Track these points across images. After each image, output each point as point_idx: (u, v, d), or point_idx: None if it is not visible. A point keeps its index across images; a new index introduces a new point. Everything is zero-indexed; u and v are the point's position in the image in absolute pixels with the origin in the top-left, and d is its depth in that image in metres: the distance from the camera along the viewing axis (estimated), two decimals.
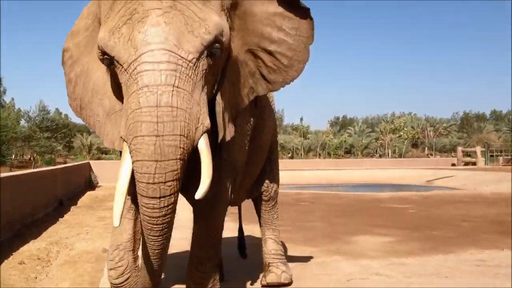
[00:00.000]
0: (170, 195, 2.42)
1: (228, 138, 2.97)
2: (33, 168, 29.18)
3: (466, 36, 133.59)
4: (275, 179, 5.09)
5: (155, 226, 2.49)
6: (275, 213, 5.04)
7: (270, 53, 3.07)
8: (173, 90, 2.36)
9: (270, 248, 4.83)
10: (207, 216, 3.42)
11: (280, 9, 3.07)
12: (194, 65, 2.45)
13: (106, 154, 44.64)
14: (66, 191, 14.79)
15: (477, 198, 14.49)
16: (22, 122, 42.70)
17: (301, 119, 60.73)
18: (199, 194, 2.55)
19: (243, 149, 3.71)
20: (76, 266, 6.02)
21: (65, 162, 34.42)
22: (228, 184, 3.50)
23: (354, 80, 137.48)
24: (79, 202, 14.10)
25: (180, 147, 2.38)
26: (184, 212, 5.31)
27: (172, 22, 2.41)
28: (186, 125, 2.39)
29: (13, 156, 33.21)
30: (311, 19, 3.12)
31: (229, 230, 5.50)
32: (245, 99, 3.13)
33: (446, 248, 6.83)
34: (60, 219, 10.66)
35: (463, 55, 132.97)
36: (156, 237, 2.55)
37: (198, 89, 2.50)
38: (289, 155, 50.55)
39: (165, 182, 2.38)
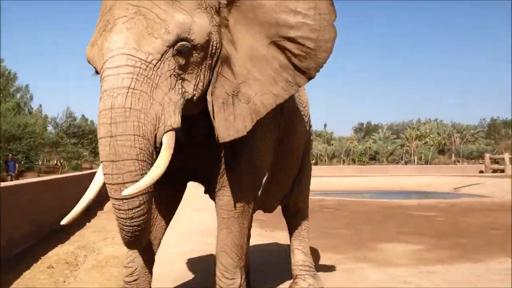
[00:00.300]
0: (133, 197, 2.42)
1: (229, 137, 2.91)
2: (60, 173, 29.68)
3: (494, 42, 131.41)
4: (305, 188, 4.96)
5: (124, 227, 2.51)
6: (304, 224, 4.92)
7: (292, 40, 2.91)
8: (127, 92, 2.42)
9: (298, 259, 4.76)
10: (230, 223, 3.43)
11: None
12: (155, 66, 2.51)
13: None
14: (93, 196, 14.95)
15: (506, 206, 14.15)
16: (50, 128, 43.62)
17: (325, 125, 60.90)
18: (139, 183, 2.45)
19: (266, 153, 3.63)
20: (103, 271, 6.08)
21: (91, 168, 34.92)
22: (249, 189, 3.48)
23: (379, 86, 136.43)
24: (105, 208, 14.21)
25: (135, 147, 2.41)
26: (211, 219, 5.30)
27: (134, 27, 2.49)
28: (140, 125, 2.43)
29: (41, 162, 33.80)
30: None
31: (259, 237, 5.49)
32: (282, 94, 2.97)
33: (474, 256, 6.71)
34: (87, 224, 10.79)
35: (490, 61, 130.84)
36: (127, 237, 2.56)
37: (162, 89, 2.54)
38: (313, 161, 50.31)
39: (123, 183, 2.40)
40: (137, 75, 2.46)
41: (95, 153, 49.09)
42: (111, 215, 12.90)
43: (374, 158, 53.30)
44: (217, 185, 3.45)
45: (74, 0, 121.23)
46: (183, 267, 6.06)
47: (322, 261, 6.34)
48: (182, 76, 2.65)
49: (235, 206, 3.37)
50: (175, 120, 2.57)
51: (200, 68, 2.73)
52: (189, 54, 2.62)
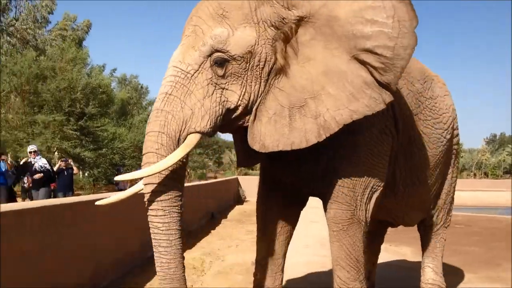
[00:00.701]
0: (155, 183, 2.73)
1: (277, 148, 2.90)
2: (187, 182, 31.22)
3: None
4: (444, 202, 4.56)
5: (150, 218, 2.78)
6: (439, 241, 4.63)
7: (370, 51, 2.78)
8: (164, 97, 2.78)
9: (428, 277, 4.50)
10: (340, 236, 3.33)
11: (368, 2, 2.78)
12: (192, 75, 2.80)
13: (252, 170, 46.17)
14: (217, 205, 15.50)
15: None
16: None
17: None
18: (124, 176, 2.91)
19: (374, 166, 3.34)
20: (228, 277, 6.24)
21: (215, 177, 36.28)
22: (355, 202, 3.30)
23: None
24: (229, 216, 14.69)
25: (157, 142, 2.73)
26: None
27: (185, 43, 2.87)
28: (166, 124, 2.74)
29: None
30: None
31: (383, 252, 5.29)
32: (364, 110, 2.83)
33: None
34: (212, 231, 11.18)
35: None
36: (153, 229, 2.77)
37: (196, 96, 2.79)
38: None
39: (147, 176, 2.71)
40: (176, 83, 2.79)
41: (219, 162, 51.18)
42: (235, 223, 13.34)
43: (509, 171, 49.32)
44: (324, 199, 3.42)
45: None
46: (298, 278, 6.03)
47: (453, 280, 5.93)
48: (222, 85, 2.84)
49: (342, 219, 3.30)
50: (202, 124, 2.78)
51: (245, 79, 2.86)
52: (227, 64, 2.80)
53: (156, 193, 2.74)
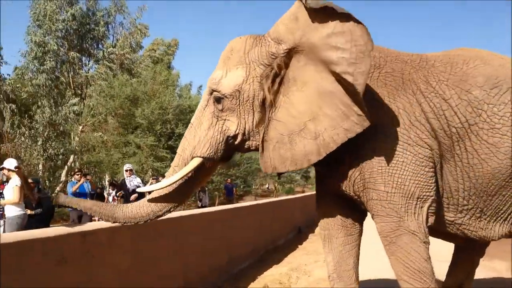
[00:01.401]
0: (159, 194, 3.59)
1: (285, 169, 3.34)
2: (274, 196, 31.43)
3: None
4: None
5: None
6: None
7: (339, 75, 3.05)
8: (189, 126, 3.57)
9: None
10: (393, 249, 3.38)
11: (331, 29, 3.08)
12: (203, 109, 3.53)
13: None
14: (305, 219, 15.47)
15: None
16: None
17: None
18: (144, 188, 4.16)
19: (411, 176, 3.30)
20: None
21: (303, 191, 36.20)
22: (399, 211, 3.30)
23: None
24: (316, 231, 14.58)
25: (177, 162, 3.55)
26: None
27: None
28: (183, 149, 3.53)
29: (257, 186, 36.18)
30: (359, 23, 3.01)
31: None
32: (355, 128, 3.10)
33: None
34: (299, 246, 11.16)
35: None
36: None
37: (204, 126, 3.48)
38: None
39: (160, 188, 3.58)
40: (195, 115, 3.57)
41: (306, 177, 51.01)
42: None
43: None
44: (371, 214, 3.54)
45: None
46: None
47: None
48: (223, 117, 3.45)
49: (388, 232, 3.37)
50: (203, 150, 3.41)
51: (239, 111, 3.41)
52: (222, 101, 3.41)
53: (155, 199, 3.58)
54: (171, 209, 3.63)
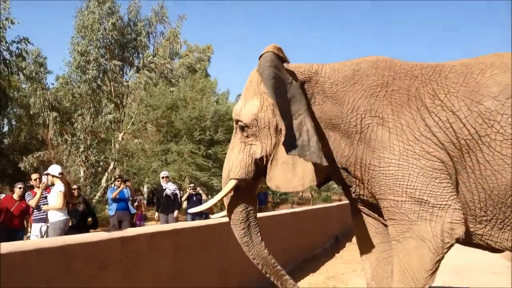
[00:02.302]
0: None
1: (291, 189, 3.72)
2: (312, 205, 31.21)
3: None
4: None
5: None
6: None
7: None
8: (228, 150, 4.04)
9: None
10: (397, 249, 3.38)
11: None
12: (234, 136, 3.98)
13: None
14: (341, 227, 15.32)
15: None
16: None
17: None
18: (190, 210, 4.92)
19: (419, 180, 3.28)
20: None
21: (339, 200, 35.80)
22: (409, 215, 3.28)
23: None
24: (354, 239, 14.43)
25: (223, 182, 3.99)
26: (456, 256, 4.91)
27: None
28: (223, 173, 3.98)
29: (294, 194, 36.03)
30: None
31: None
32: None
33: None
34: (336, 254, 11.06)
35: None
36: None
37: (234, 151, 3.89)
38: None
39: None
40: (231, 140, 4.03)
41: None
42: None
43: None
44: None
45: None
46: None
47: None
48: (249, 142, 3.81)
49: (397, 233, 3.37)
50: (235, 172, 3.80)
51: (260, 137, 3.77)
52: (246, 128, 3.79)
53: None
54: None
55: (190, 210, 4.52)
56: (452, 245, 3.30)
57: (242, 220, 3.94)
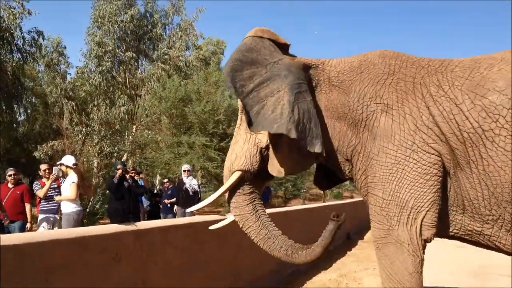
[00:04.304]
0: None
1: (277, 173, 3.66)
2: (323, 201, 31.17)
3: None
4: None
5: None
6: None
7: None
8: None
9: None
10: (378, 255, 3.45)
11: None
12: (238, 128, 3.93)
13: None
14: (353, 225, 15.24)
15: None
16: None
17: None
18: (190, 208, 4.35)
19: (403, 181, 3.29)
20: None
21: (351, 197, 35.75)
22: (391, 220, 3.32)
23: None
24: (366, 237, 14.34)
25: (225, 176, 3.92)
26: (479, 258, 4.82)
27: None
28: (226, 165, 3.91)
29: (306, 190, 36.02)
30: None
31: None
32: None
33: None
34: (348, 252, 11.01)
35: None
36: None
37: (239, 142, 3.84)
38: None
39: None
40: (234, 135, 3.98)
41: None
42: (371, 244, 12.92)
43: None
44: None
45: None
46: None
47: None
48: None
49: (376, 238, 3.45)
50: (240, 163, 3.75)
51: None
52: None
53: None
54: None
55: (190, 209, 4.26)
56: (424, 246, 3.36)
57: (251, 212, 3.82)
